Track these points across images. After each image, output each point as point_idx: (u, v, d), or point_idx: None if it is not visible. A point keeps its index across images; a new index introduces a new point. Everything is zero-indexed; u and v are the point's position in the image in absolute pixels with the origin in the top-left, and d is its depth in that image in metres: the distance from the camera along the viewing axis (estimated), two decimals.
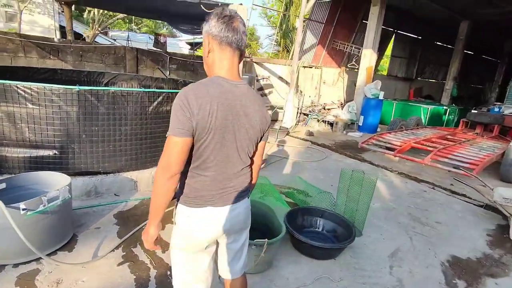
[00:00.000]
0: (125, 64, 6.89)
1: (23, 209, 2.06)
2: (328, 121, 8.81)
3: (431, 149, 5.22)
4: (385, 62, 16.02)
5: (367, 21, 8.53)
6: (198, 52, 12.37)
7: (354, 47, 9.93)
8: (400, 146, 5.38)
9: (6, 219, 2.00)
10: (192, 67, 7.83)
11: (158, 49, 7.35)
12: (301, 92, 9.91)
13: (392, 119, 8.01)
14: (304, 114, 9.18)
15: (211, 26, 1.21)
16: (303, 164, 5.20)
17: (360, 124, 8.76)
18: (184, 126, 1.14)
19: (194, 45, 15.40)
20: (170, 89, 3.96)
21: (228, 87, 1.23)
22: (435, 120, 9.67)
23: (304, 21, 9.66)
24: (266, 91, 9.34)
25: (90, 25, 8.36)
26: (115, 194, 3.30)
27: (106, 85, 5.81)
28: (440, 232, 3.30)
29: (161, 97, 3.44)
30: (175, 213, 1.36)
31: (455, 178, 4.59)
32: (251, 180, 1.47)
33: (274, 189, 3.39)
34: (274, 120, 8.54)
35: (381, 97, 8.61)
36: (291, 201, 3.63)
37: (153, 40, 7.67)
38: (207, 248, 1.38)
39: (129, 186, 3.39)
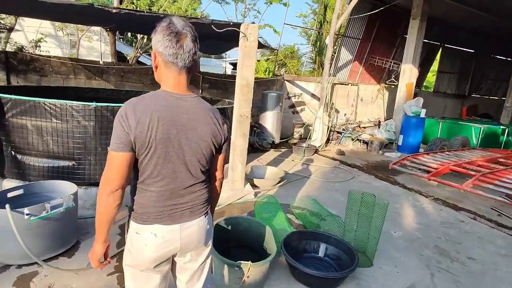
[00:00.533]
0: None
1: (27, 214, 2.23)
2: (363, 140, 8.38)
3: (473, 173, 4.62)
4: (431, 77, 14.93)
5: None
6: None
7: (393, 63, 9.43)
8: (437, 169, 4.86)
9: (16, 222, 2.19)
10: (223, 86, 8.08)
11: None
12: (335, 109, 9.61)
13: (432, 139, 7.33)
14: (338, 132, 8.85)
15: (157, 41, 1.16)
16: (325, 184, 4.94)
17: (400, 144, 8.16)
18: (122, 141, 1.14)
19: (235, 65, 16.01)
20: None
21: (172, 101, 1.20)
22: (491, 142, 8.61)
23: (338, 38, 9.50)
24: (298, 109, 9.23)
25: (133, 48, 9.20)
26: (126, 205, 3.43)
27: None
28: (471, 271, 2.84)
29: None
30: (127, 229, 1.35)
31: (493, 208, 3.99)
32: (210, 196, 1.41)
33: (280, 210, 3.25)
34: (305, 138, 8.35)
35: (422, 115, 7.97)
36: (301, 223, 3.44)
37: None
38: (158, 267, 1.32)
39: None
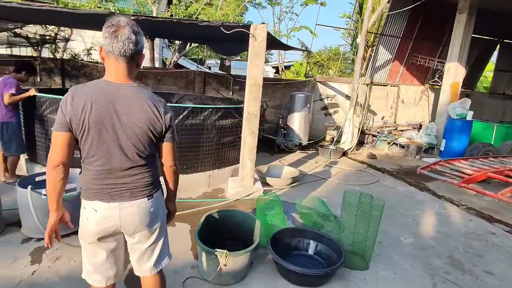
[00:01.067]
0: (194, 86, 7.78)
1: (44, 195, 2.59)
2: (399, 144, 7.87)
3: None
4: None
5: None
6: (282, 75, 12.82)
7: (439, 62, 8.69)
8: (471, 175, 4.40)
9: (34, 201, 2.56)
10: None
11: (223, 72, 8.04)
12: (371, 112, 9.18)
13: (474, 144, 6.62)
14: (373, 135, 8.43)
15: (102, 36, 1.31)
16: (343, 187, 4.77)
17: (442, 149, 7.50)
18: (61, 122, 1.29)
19: (280, 69, 16.08)
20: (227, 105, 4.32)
21: (110, 89, 1.32)
22: None
23: (376, 37, 9.08)
24: (331, 111, 9.00)
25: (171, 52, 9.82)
26: None
27: (176, 103, 6.68)
28: (485, 286, 2.55)
29: (186, 111, 3.80)
30: None
31: None
32: (155, 181, 1.49)
33: (280, 208, 3.26)
34: (338, 140, 8.10)
35: (469, 117, 7.24)
36: (303, 222, 3.40)
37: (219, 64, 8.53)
38: (102, 242, 1.43)
39: None
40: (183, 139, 3.85)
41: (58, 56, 7.44)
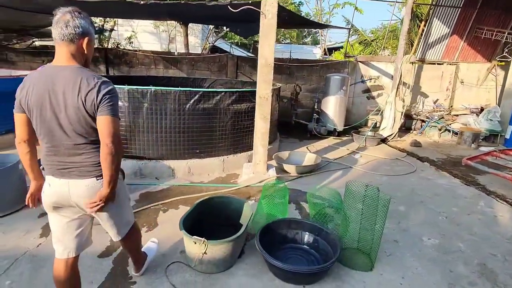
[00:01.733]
0: (226, 70, 7.73)
1: None
2: (453, 130, 6.93)
3: None
4: None
5: None
6: (333, 57, 12.13)
7: (508, 33, 7.29)
8: None
9: None
10: (288, 70, 7.89)
11: (255, 56, 7.83)
12: (422, 94, 8.20)
13: None
14: (422, 120, 7.55)
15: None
16: (369, 177, 4.34)
17: (507, 137, 6.42)
18: (16, 105, 1.46)
19: (328, 51, 15.24)
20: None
21: (51, 71, 1.41)
22: None
23: (430, 9, 7.95)
24: (374, 93, 8.26)
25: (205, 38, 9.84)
26: (156, 178, 3.85)
27: (208, 88, 6.74)
28: None
29: (197, 96, 3.75)
30: None
31: None
32: (100, 160, 1.45)
33: (286, 196, 3.05)
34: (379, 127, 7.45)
35: None
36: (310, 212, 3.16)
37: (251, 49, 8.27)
38: (58, 212, 1.56)
39: (168, 173, 3.87)
40: (195, 123, 3.83)
41: (105, 46, 7.97)
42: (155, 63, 7.61)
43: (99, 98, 1.38)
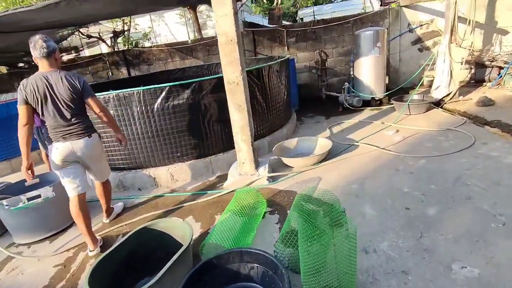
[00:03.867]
0: (244, 49, 6.98)
1: (6, 205, 2.64)
2: None
3: None
4: None
5: None
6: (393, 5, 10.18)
7: None
8: None
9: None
10: (314, 35, 6.69)
11: (273, 26, 6.81)
12: (497, 31, 6.13)
13: None
14: (500, 67, 5.67)
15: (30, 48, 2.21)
16: (399, 161, 3.26)
17: None
18: (20, 100, 2.19)
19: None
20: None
21: (41, 75, 2.20)
22: None
23: None
24: (429, 42, 6.51)
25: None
26: (138, 189, 3.54)
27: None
28: None
29: (164, 93, 3.23)
30: None
31: None
32: (88, 125, 2.41)
33: (260, 207, 2.37)
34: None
35: None
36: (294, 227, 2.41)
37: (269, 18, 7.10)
38: (67, 166, 2.37)
39: (149, 182, 3.51)
40: (168, 123, 3.34)
41: (122, 48, 8.00)
42: (171, 56, 7.32)
43: (81, 86, 2.27)
